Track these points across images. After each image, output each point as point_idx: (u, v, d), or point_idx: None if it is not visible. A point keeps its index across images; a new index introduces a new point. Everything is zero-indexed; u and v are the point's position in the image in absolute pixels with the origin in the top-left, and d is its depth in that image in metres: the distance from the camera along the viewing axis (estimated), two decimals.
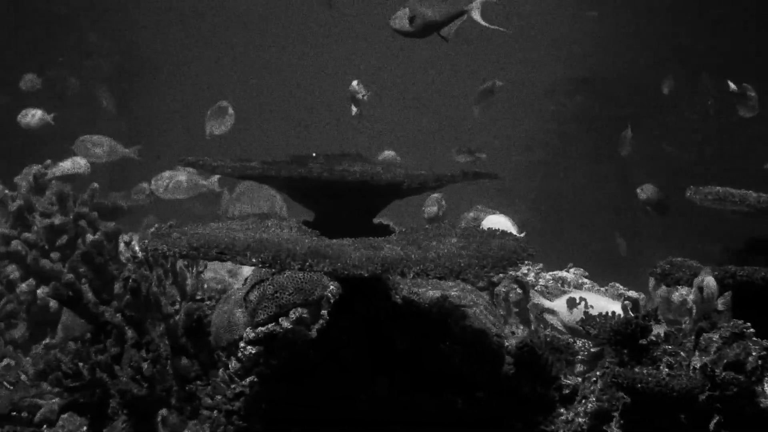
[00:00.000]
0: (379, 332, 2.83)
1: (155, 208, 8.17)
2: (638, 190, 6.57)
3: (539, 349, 2.89)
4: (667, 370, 2.51)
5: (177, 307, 3.56)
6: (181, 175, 7.35)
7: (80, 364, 3.35)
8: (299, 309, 3.17)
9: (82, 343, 3.47)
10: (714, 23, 9.75)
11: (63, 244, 4.70)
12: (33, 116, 7.59)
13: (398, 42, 4.29)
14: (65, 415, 3.49)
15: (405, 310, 2.96)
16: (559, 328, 2.85)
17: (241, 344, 3.25)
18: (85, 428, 3.46)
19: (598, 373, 2.80)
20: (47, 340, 4.57)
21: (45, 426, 3.47)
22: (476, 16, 4.03)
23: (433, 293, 3.06)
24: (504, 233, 2.79)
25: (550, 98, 11.63)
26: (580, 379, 2.88)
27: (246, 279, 3.90)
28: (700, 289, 2.62)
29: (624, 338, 2.61)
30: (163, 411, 3.36)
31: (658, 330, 2.64)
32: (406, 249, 2.50)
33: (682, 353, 2.57)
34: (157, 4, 15.13)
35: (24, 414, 3.51)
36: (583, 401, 2.78)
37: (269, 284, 3.22)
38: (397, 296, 3.00)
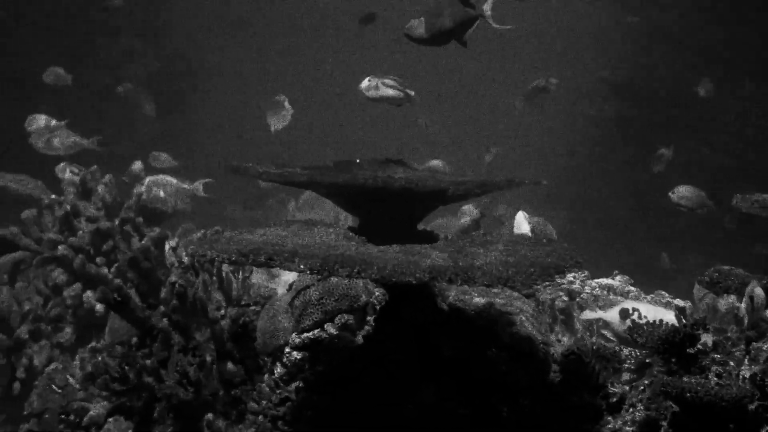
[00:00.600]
0: (425, 339, 2.83)
1: (194, 213, 8.23)
2: (671, 194, 6.52)
3: (586, 356, 2.88)
4: (716, 379, 2.49)
5: (222, 312, 3.58)
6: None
7: (127, 368, 3.38)
8: (344, 315, 3.18)
9: (129, 347, 3.50)
10: (755, 28, 9.68)
11: (109, 248, 4.75)
12: (38, 121, 7.66)
13: (435, 49, 4.31)
14: (112, 419, 3.53)
15: (451, 317, 2.96)
16: (609, 337, 2.84)
17: (287, 350, 3.26)
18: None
19: (645, 381, 2.79)
20: (93, 344, 4.62)
21: (93, 429, 3.51)
22: (490, 19, 4.05)
23: (479, 300, 3.06)
24: (551, 241, 2.78)
25: (589, 103, 11.58)
26: (627, 388, 2.86)
27: (290, 285, 3.92)
28: (751, 298, 2.61)
29: (672, 347, 2.59)
30: (209, 415, 3.38)
31: (706, 339, 2.63)
32: (453, 256, 2.50)
33: (731, 363, 2.55)
34: (196, 10, 15.25)
35: (72, 417, 3.54)
36: (631, 410, 2.77)
37: (314, 290, 3.23)
38: (444, 303, 3.00)
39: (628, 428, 2.72)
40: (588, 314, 2.95)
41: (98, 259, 4.73)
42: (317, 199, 7.23)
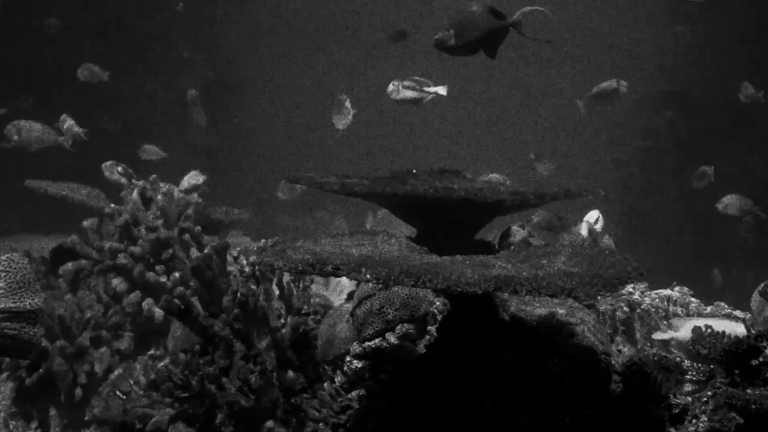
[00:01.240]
0: (487, 349, 2.85)
1: (245, 223, 8.31)
2: (717, 204, 6.48)
3: (648, 367, 2.88)
4: None
5: (283, 320, 3.62)
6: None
7: (190, 375, 3.43)
8: (405, 324, 3.21)
9: (192, 354, 3.55)
10: None
11: (168, 257, 4.83)
12: (66, 123, 7.79)
13: (484, 58, 4.33)
14: (174, 426, 3.58)
15: (513, 327, 2.97)
16: (670, 348, 2.84)
17: (347, 358, 3.30)
18: None
19: (709, 393, 2.78)
20: (152, 351, 4.70)
21: None
22: (521, 30, 4.06)
23: (541, 311, 3.07)
24: (613, 252, 2.78)
25: (639, 113, 11.53)
26: (690, 399, 2.86)
27: (349, 294, 3.96)
28: None
29: (735, 359, 2.59)
30: (269, 423, 3.42)
31: None
32: (517, 267, 2.52)
33: None
34: (248, 19, 15.38)
35: (136, 423, 3.60)
36: (694, 421, 2.76)
37: (375, 300, 3.26)
38: (505, 313, 3.01)
39: None
40: (660, 335, 2.95)
41: (157, 268, 4.80)
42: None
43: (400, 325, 3.21)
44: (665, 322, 2.93)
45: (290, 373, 3.49)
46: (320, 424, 3.26)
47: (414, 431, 2.87)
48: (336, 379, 3.33)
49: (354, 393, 3.21)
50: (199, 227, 4.87)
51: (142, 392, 3.86)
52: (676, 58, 11.50)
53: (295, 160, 16.51)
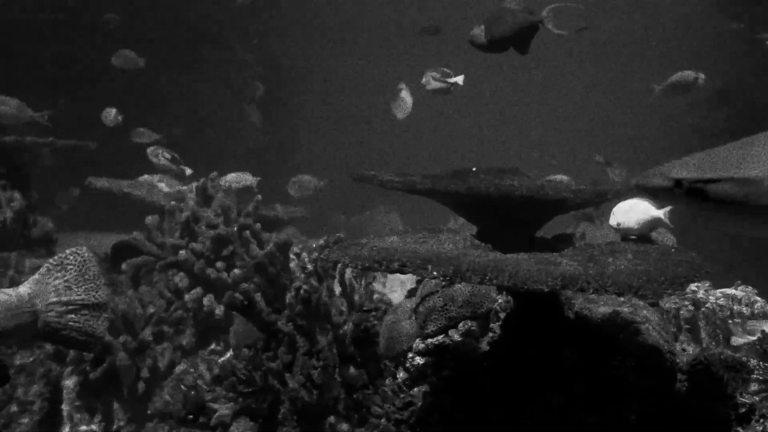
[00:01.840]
0: (551, 346, 2.85)
1: (302, 220, 8.36)
2: None
3: (714, 366, 2.86)
4: None
5: (345, 317, 3.65)
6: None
7: (253, 370, 3.48)
8: (468, 321, 3.22)
9: (255, 350, 3.59)
10: None
11: (228, 254, 4.87)
12: (109, 114, 7.94)
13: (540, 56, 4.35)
14: (237, 420, 3.63)
15: (577, 325, 2.97)
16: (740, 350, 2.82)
17: (410, 355, 3.31)
18: None
19: None
20: (213, 346, 4.75)
21: (219, 429, 3.61)
22: (550, 25, 4.07)
23: (605, 309, 3.06)
24: (679, 251, 2.77)
25: (692, 111, 11.39)
26: (757, 398, 2.83)
27: (409, 291, 3.98)
28: None
29: None
30: (331, 418, 3.45)
31: None
32: (583, 265, 2.52)
33: None
34: (302, 19, 15.46)
35: (201, 417, 3.64)
36: (761, 420, 2.74)
37: (438, 297, 3.28)
38: (569, 311, 3.01)
39: None
40: (739, 340, 2.93)
41: (218, 264, 4.85)
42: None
43: (463, 322, 3.22)
44: (734, 324, 2.91)
45: (352, 369, 3.52)
46: (382, 420, 3.28)
47: (478, 428, 2.88)
48: (398, 376, 3.34)
49: (416, 389, 3.23)
50: (258, 224, 4.92)
51: (206, 387, 3.91)
52: (728, 56, 11.36)
53: (348, 157, 16.56)
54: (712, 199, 2.39)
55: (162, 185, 8.12)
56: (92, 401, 4.75)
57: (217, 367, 3.81)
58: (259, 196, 5.07)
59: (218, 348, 4.77)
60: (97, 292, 2.72)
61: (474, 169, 3.97)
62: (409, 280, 4.58)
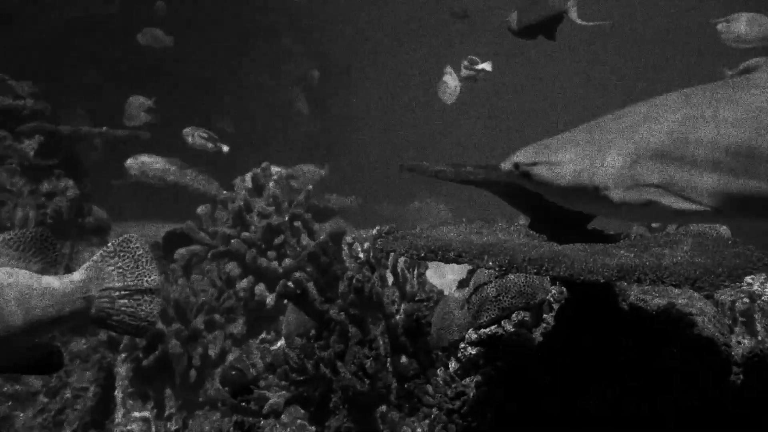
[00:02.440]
0: (605, 338, 2.83)
1: (352, 210, 8.38)
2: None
3: None
4: None
5: (397, 307, 3.65)
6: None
7: (305, 359, 3.49)
8: (521, 312, 3.21)
9: (307, 339, 3.61)
10: None
11: (279, 243, 4.91)
12: (136, 100, 7.99)
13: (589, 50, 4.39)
14: (289, 408, 3.65)
15: (631, 317, 2.95)
16: None
17: (462, 345, 3.31)
18: (307, 421, 3.61)
19: None
20: (264, 335, 4.79)
21: (272, 417, 3.63)
22: (573, 15, 4.17)
23: (660, 301, 3.03)
24: (736, 243, 2.74)
25: None
26: None
27: (459, 281, 3.97)
28: None
29: None
30: (383, 407, 3.46)
31: None
32: (639, 256, 2.50)
33: None
34: (349, 11, 15.46)
35: (253, 404, 3.67)
36: None
37: (491, 287, 3.27)
38: (624, 302, 2.99)
39: None
40: None
41: (269, 254, 4.89)
42: None
43: (516, 312, 3.21)
44: None
45: (404, 359, 3.53)
46: (434, 410, 3.28)
47: (532, 418, 2.88)
48: (450, 366, 3.34)
49: (468, 379, 3.22)
50: (309, 214, 4.95)
51: (258, 374, 3.94)
52: None
53: (395, 146, 16.55)
54: (534, 180, 2.64)
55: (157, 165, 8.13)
56: (145, 388, 4.81)
57: (270, 355, 3.84)
58: (310, 186, 5.10)
59: (269, 337, 4.82)
60: (149, 277, 2.76)
61: None
62: (455, 269, 4.57)
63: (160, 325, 4.64)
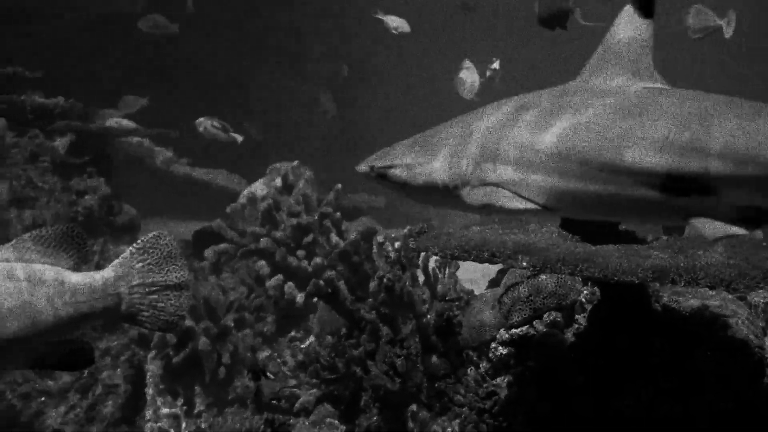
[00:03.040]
0: (638, 338, 2.83)
1: (379, 210, 8.37)
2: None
3: None
4: None
5: (428, 306, 3.66)
6: None
7: (336, 357, 3.51)
8: (553, 312, 3.20)
9: (338, 337, 3.62)
10: None
11: (308, 242, 4.92)
12: (128, 99, 8.00)
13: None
14: (319, 406, 3.67)
15: (664, 318, 2.94)
16: None
17: (492, 345, 3.31)
18: (337, 420, 3.63)
19: None
20: (293, 333, 4.81)
21: (302, 415, 3.65)
22: (578, 16, 4.63)
23: (693, 302, 3.02)
24: None
25: None
26: None
27: (490, 281, 3.97)
28: None
29: None
30: (413, 406, 3.47)
31: None
32: (674, 257, 2.49)
33: None
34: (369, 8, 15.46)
35: (283, 403, 3.69)
36: None
37: (523, 287, 3.27)
38: (657, 303, 2.99)
39: None
40: None
41: (298, 252, 4.90)
42: None
43: (548, 312, 3.20)
44: None
45: (434, 358, 3.53)
46: (464, 409, 3.28)
47: (565, 419, 2.88)
48: (480, 366, 3.34)
49: (499, 379, 3.23)
50: (339, 213, 4.96)
51: (289, 373, 3.96)
52: None
53: None
54: (391, 181, 2.92)
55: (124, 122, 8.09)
56: (174, 385, 4.84)
57: (301, 353, 3.85)
58: (339, 186, 5.11)
59: (298, 335, 4.83)
60: (178, 273, 2.78)
61: None
62: (482, 269, 4.55)
63: (189, 323, 4.66)
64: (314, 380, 3.61)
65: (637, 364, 2.80)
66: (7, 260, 2.54)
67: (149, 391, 4.85)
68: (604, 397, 2.80)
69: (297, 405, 3.65)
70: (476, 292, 3.83)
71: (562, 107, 2.63)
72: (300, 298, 4.77)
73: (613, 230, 3.61)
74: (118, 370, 5.17)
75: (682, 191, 2.41)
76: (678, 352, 2.82)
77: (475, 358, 3.44)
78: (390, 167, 2.93)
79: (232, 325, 4.75)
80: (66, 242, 2.68)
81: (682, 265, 2.38)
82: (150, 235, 2.82)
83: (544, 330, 3.16)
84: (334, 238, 4.81)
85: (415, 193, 2.95)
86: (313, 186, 5.33)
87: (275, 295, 4.84)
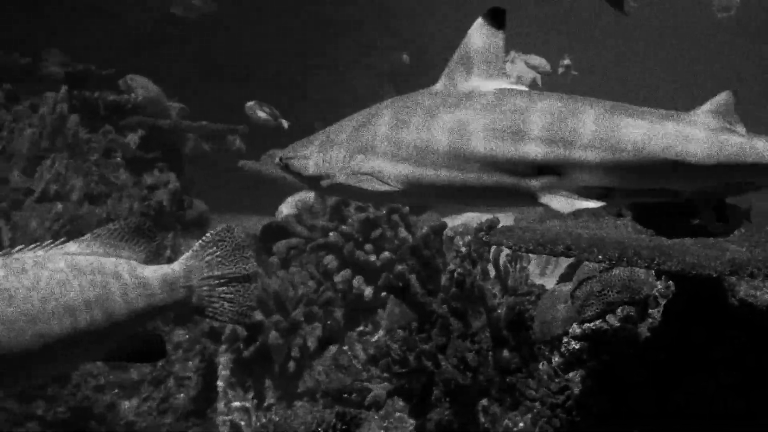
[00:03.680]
0: (714, 332, 2.80)
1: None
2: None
3: None
4: None
5: (499, 300, 3.65)
6: None
7: (407, 351, 3.51)
8: (626, 307, 3.17)
9: (409, 331, 3.63)
10: None
11: (377, 236, 4.94)
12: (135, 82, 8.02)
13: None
14: (391, 400, 3.68)
15: (740, 312, 2.90)
16: None
17: (565, 339, 3.29)
18: (407, 414, 3.64)
19: None
20: (361, 327, 4.83)
21: (373, 408, 3.66)
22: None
23: None
24: None
25: None
26: None
27: (560, 275, 3.95)
28: None
29: None
30: (484, 401, 3.46)
31: None
32: (752, 250, 2.46)
33: None
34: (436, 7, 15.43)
35: (354, 396, 3.71)
36: None
37: (596, 281, 3.24)
38: (733, 298, 2.94)
39: None
40: None
41: (366, 247, 4.92)
42: None
43: (621, 307, 3.17)
44: None
45: (505, 353, 3.52)
46: (536, 404, 3.27)
47: (640, 413, 2.86)
48: (552, 360, 3.32)
49: (571, 374, 3.20)
50: (407, 207, 4.96)
51: (360, 366, 3.98)
52: None
53: None
54: (290, 170, 3.33)
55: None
56: (245, 379, 4.90)
57: (372, 347, 3.86)
58: None
59: (366, 329, 4.85)
60: (246, 264, 2.82)
61: None
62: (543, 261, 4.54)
63: (259, 317, 4.71)
64: (385, 374, 3.62)
65: (708, 357, 2.77)
66: (82, 254, 2.60)
67: (220, 383, 4.92)
68: (676, 390, 2.78)
69: (368, 399, 3.66)
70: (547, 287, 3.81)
71: (422, 106, 3.05)
72: (369, 292, 4.80)
73: (686, 224, 3.57)
74: (190, 363, 5.24)
75: (530, 174, 2.75)
76: (752, 345, 2.78)
77: (546, 353, 3.42)
78: (291, 158, 3.32)
79: (302, 319, 4.79)
80: (138, 236, 2.74)
81: (761, 258, 2.35)
82: (219, 228, 2.88)
83: (618, 324, 3.13)
84: (403, 232, 4.82)
85: (307, 182, 3.34)
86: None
87: (344, 289, 4.87)
